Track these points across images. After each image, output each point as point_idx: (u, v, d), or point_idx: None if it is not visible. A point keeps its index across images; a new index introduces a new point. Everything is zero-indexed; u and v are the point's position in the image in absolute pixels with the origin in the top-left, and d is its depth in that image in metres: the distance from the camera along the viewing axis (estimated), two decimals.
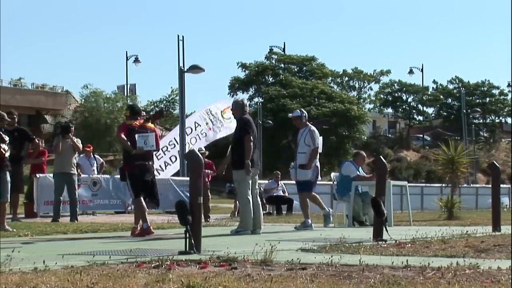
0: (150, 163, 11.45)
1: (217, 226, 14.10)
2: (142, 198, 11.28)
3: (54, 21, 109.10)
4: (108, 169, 33.43)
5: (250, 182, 11.54)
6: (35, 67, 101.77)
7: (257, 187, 11.90)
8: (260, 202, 11.90)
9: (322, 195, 28.19)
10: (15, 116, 15.01)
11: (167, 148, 25.92)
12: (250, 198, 11.48)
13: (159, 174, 25.00)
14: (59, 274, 5.45)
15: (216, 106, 27.33)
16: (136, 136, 11.15)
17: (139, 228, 11.12)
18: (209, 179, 19.46)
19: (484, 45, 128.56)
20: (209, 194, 19.73)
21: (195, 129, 26.26)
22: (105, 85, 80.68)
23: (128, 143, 11.17)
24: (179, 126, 25.54)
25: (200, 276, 5.30)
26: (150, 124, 11.54)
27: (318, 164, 13.35)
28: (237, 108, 11.86)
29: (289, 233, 11.84)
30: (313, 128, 13.00)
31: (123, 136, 11.29)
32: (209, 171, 18.44)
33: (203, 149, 20.18)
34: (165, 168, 25.56)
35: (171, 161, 25.71)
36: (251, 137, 11.43)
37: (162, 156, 25.64)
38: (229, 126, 26.57)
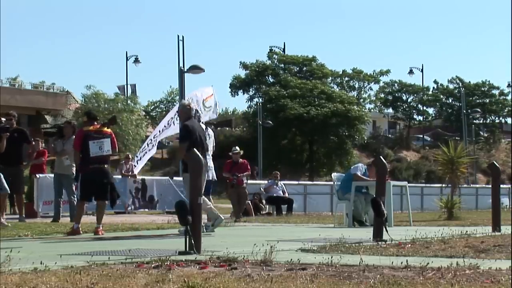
0: (106, 166, 11.94)
1: (217, 226, 14.07)
2: (85, 203, 12.17)
3: (54, 21, 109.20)
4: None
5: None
6: (35, 67, 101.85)
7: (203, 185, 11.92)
8: (210, 197, 12.15)
9: (322, 195, 28.38)
10: (14, 117, 15.01)
11: (151, 141, 25.97)
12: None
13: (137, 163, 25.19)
14: (59, 274, 5.45)
15: (202, 91, 27.17)
16: (90, 142, 11.66)
17: (77, 229, 11.59)
18: (245, 181, 19.58)
19: (484, 45, 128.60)
20: (247, 192, 19.84)
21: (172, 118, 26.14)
22: (105, 85, 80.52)
23: (80, 155, 11.86)
24: (173, 122, 25.45)
25: (200, 276, 5.30)
26: (106, 129, 12.02)
27: (210, 165, 12.39)
28: (183, 112, 11.88)
29: (288, 233, 11.84)
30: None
31: (77, 148, 11.92)
32: (237, 174, 18.65)
33: (237, 148, 20.09)
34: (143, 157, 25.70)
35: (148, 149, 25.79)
36: (186, 145, 11.23)
37: (148, 151, 25.66)
38: (207, 115, 26.83)
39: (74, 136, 13.08)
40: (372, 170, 15.62)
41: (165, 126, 26.25)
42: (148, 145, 25.46)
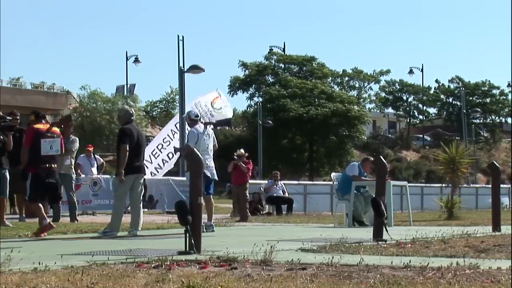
0: (54, 165, 11.80)
1: (217, 226, 14.09)
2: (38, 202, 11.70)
3: (54, 21, 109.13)
4: (108, 169, 33.45)
5: (130, 185, 11.63)
6: (35, 67, 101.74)
7: (141, 189, 11.91)
8: (141, 204, 11.94)
9: (322, 195, 28.38)
10: (17, 117, 15.00)
11: (162, 145, 25.91)
12: (124, 201, 11.77)
13: (158, 172, 25.02)
14: (59, 274, 5.45)
15: (205, 98, 27.20)
16: (42, 140, 11.48)
17: (48, 224, 11.43)
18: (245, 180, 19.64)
19: (484, 45, 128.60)
20: (247, 195, 19.81)
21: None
22: (105, 85, 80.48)
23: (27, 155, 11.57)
24: (179, 126, 25.51)
25: (200, 276, 5.30)
26: (55, 129, 11.91)
27: (210, 164, 12.54)
28: (122, 116, 12.17)
29: (288, 233, 11.84)
30: (190, 129, 12.77)
31: (27, 144, 11.65)
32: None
33: (242, 151, 20.13)
34: (163, 166, 25.58)
35: (169, 158, 25.71)
36: (127, 147, 11.55)
37: (159, 154, 25.61)
38: (220, 115, 26.92)
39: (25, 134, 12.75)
40: (366, 165, 15.69)
41: (165, 140, 26.14)
42: (161, 150, 25.44)
